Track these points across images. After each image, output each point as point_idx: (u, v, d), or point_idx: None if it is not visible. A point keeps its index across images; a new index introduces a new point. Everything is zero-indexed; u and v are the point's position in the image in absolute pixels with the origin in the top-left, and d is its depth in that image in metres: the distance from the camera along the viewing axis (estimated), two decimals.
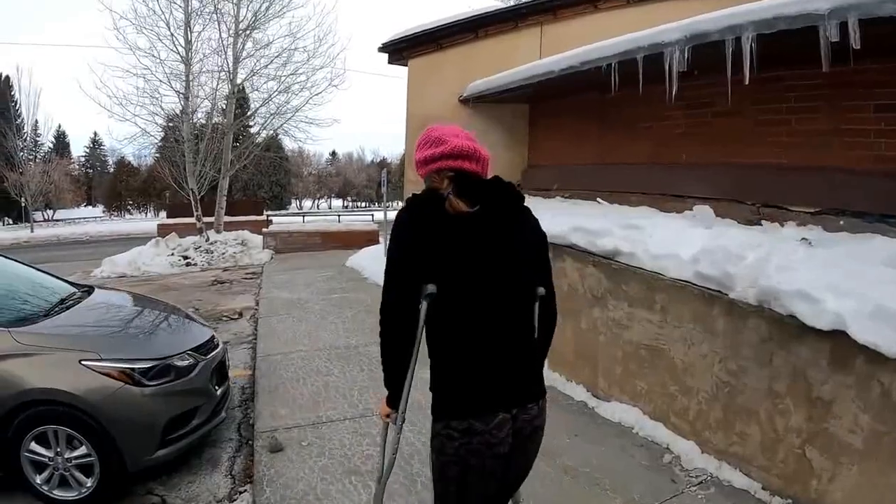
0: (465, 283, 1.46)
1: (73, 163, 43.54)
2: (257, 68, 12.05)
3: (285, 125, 12.60)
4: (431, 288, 1.44)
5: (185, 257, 11.11)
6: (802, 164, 3.93)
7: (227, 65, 11.68)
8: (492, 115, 7.52)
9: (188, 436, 3.08)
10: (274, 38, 12.10)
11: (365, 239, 12.96)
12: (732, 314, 2.94)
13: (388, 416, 1.69)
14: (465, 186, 1.50)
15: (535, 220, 1.65)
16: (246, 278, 9.62)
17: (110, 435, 2.75)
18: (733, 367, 2.95)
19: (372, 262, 9.83)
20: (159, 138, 11.91)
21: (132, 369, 2.88)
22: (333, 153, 51.82)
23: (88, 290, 3.92)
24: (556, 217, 4.53)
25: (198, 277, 9.85)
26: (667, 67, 4.02)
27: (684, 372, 3.26)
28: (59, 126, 42.80)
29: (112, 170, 43.08)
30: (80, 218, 34.72)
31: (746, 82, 3.51)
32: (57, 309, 3.34)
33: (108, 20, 10.05)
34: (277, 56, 11.98)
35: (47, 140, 39.48)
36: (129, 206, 39.72)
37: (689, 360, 3.22)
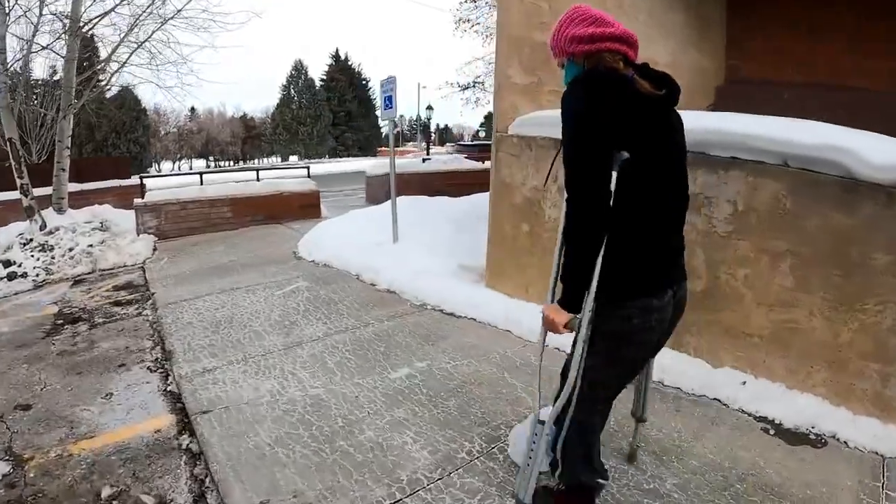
0: (654, 159, 1.43)
1: None
2: None
3: (169, 25, 7.38)
4: (625, 154, 1.37)
5: (7, 263, 5.95)
6: None
7: None
8: None
9: None
10: None
11: (299, 205, 9.02)
12: None
13: (567, 325, 1.49)
14: (643, 73, 1.49)
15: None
16: (118, 306, 4.97)
17: None
18: None
19: (371, 251, 5.66)
20: None
21: None
22: (193, 109, 46.78)
23: None
24: None
25: (22, 311, 4.94)
26: None
27: None
28: None
29: None
30: None
31: None
32: None
33: None
34: None
35: None
36: None
37: None
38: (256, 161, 48.45)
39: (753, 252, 2.71)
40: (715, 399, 2.75)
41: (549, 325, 1.54)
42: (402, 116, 63.00)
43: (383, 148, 48.15)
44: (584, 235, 1.39)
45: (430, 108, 25.46)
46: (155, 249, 7.28)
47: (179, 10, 7.21)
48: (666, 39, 3.93)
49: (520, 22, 3.75)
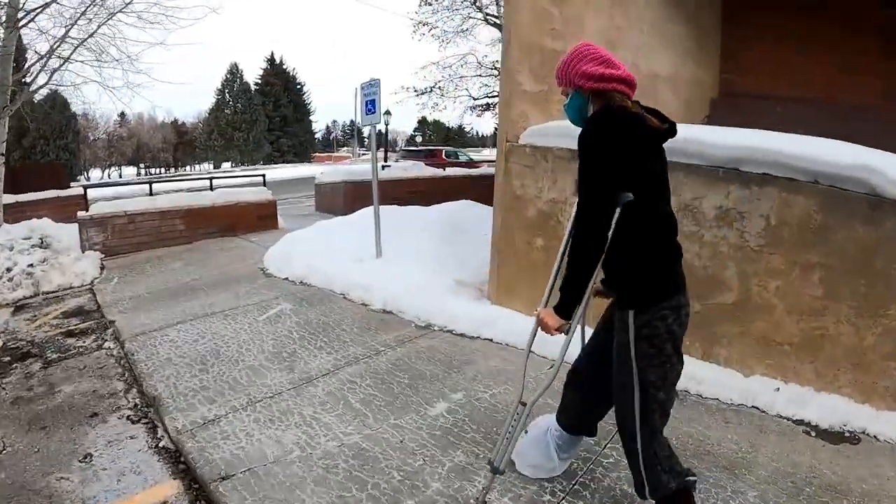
0: (661, 181, 1.73)
1: None
2: None
3: (116, 20, 6.71)
4: (629, 195, 1.61)
5: None
6: None
7: None
8: None
9: None
10: None
11: (256, 216, 8.63)
12: None
13: (559, 328, 1.77)
14: (647, 111, 1.74)
15: None
16: (72, 336, 4.42)
17: None
18: None
19: (353, 267, 5.36)
20: None
21: None
22: (122, 114, 44.23)
23: None
24: None
25: None
26: None
27: None
28: None
29: None
30: None
31: None
32: None
33: None
34: None
35: None
36: None
37: None
38: (189, 168, 46.21)
39: (785, 264, 2.80)
40: (753, 407, 2.82)
41: (542, 327, 1.81)
42: (334, 121, 61.60)
43: (318, 154, 47.05)
44: (585, 257, 1.66)
45: (388, 112, 24.74)
46: (103, 268, 6.63)
47: (128, 3, 6.57)
48: (667, 50, 4.04)
49: (531, 27, 3.69)
